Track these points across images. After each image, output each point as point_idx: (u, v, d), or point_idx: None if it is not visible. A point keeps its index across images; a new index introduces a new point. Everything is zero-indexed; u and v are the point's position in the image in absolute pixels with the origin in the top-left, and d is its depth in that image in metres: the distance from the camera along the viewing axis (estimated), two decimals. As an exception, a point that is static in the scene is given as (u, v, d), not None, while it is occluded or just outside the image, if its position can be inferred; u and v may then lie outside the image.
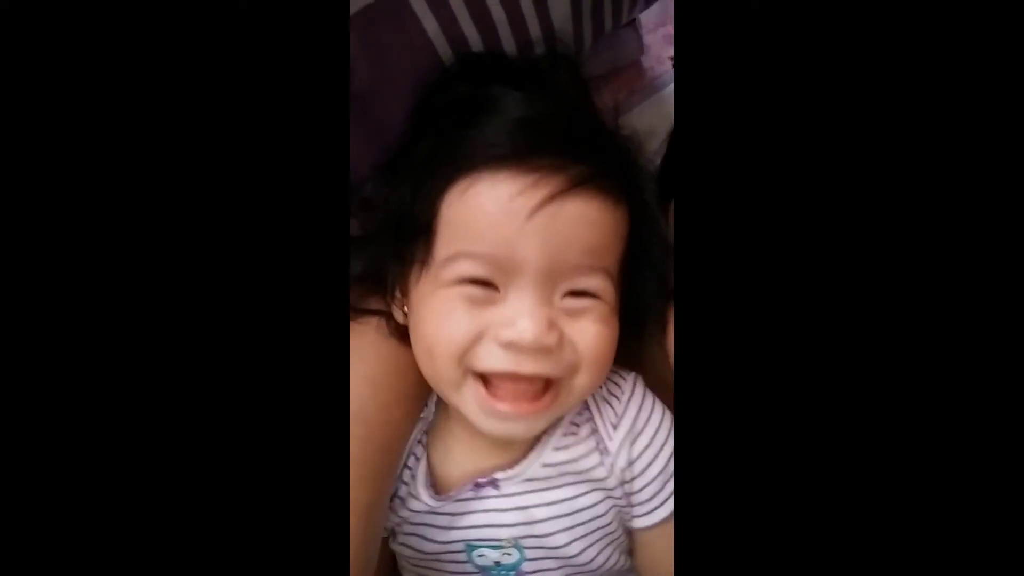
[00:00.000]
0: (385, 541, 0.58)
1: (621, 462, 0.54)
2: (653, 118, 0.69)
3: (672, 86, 0.84)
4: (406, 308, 0.51)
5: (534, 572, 0.57)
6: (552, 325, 0.46)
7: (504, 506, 0.55)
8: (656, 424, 0.55)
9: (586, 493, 0.55)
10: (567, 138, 0.48)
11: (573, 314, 0.47)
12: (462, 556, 0.56)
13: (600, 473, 0.55)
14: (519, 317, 0.45)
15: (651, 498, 0.55)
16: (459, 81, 0.53)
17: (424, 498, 0.54)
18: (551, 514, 0.55)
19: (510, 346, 0.45)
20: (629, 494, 0.56)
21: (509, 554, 0.56)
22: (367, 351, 0.51)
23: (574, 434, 0.55)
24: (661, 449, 0.55)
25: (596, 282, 0.48)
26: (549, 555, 0.56)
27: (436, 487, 0.55)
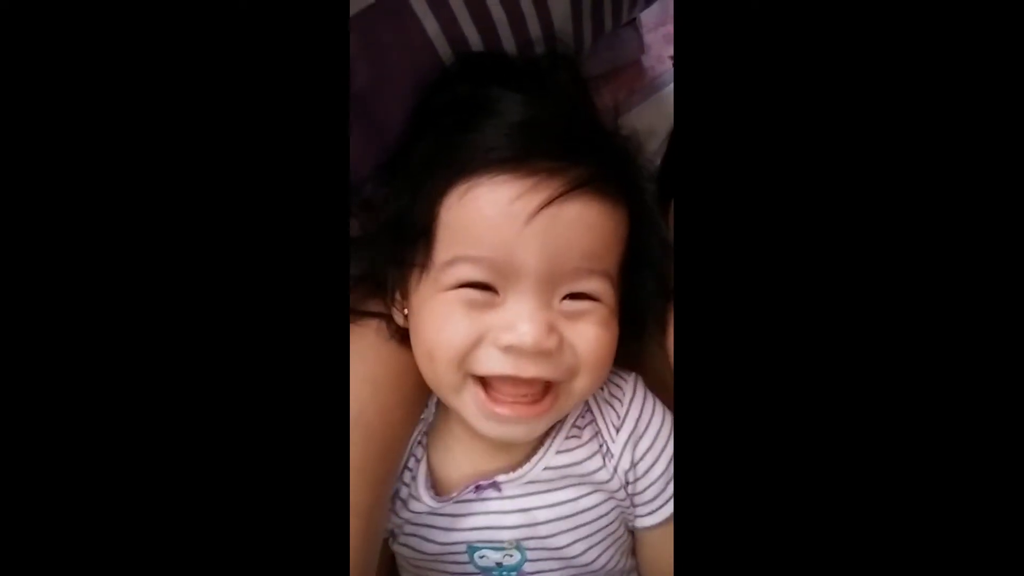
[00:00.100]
0: (385, 542, 0.58)
1: (624, 464, 0.54)
2: (653, 118, 0.69)
3: (672, 85, 0.84)
4: (406, 311, 0.51)
5: (536, 573, 0.57)
6: (552, 328, 0.46)
7: (506, 508, 0.55)
8: (658, 425, 0.56)
9: (588, 495, 0.55)
10: (566, 141, 0.48)
11: (572, 317, 0.47)
12: (463, 557, 0.56)
13: (603, 476, 0.55)
14: (519, 321, 0.45)
15: (655, 498, 0.55)
16: (459, 81, 0.53)
17: (425, 499, 0.54)
18: (553, 516, 0.55)
19: (510, 350, 0.45)
20: (632, 495, 0.56)
21: (511, 555, 0.56)
22: (367, 353, 0.51)
23: (577, 437, 0.55)
24: (663, 449, 0.55)
25: (595, 285, 0.48)
26: (551, 556, 0.56)
27: (436, 488, 0.55)
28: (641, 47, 0.84)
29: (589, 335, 0.48)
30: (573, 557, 0.56)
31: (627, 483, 0.55)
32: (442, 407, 0.56)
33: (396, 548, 0.58)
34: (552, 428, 0.54)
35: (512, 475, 0.54)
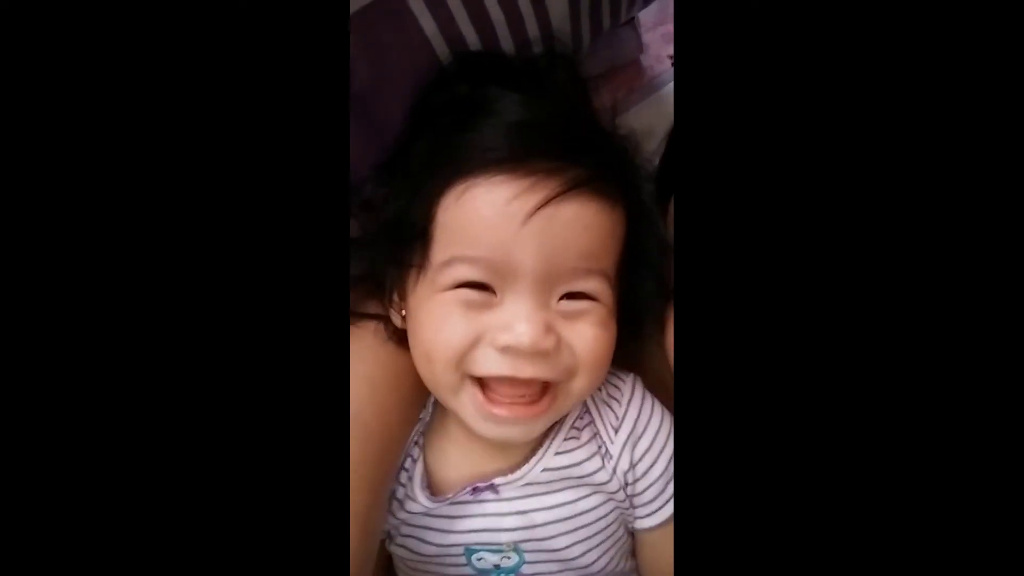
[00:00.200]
0: (382, 544, 0.58)
1: (623, 465, 0.54)
2: (652, 117, 0.69)
3: (671, 85, 0.84)
4: (404, 312, 0.51)
5: (534, 575, 0.56)
6: (549, 329, 0.46)
7: (504, 510, 0.55)
8: (657, 425, 0.55)
9: (587, 496, 0.55)
10: (564, 141, 0.47)
11: (570, 317, 0.47)
12: (460, 559, 0.56)
13: (602, 477, 0.55)
14: (516, 321, 0.45)
15: (654, 499, 0.55)
16: (457, 81, 0.53)
17: (421, 499, 0.54)
18: (552, 518, 0.55)
19: (507, 350, 0.45)
20: (632, 496, 0.56)
21: (508, 557, 0.56)
22: (365, 355, 0.51)
23: (576, 438, 0.55)
24: (663, 450, 0.55)
25: (593, 284, 0.48)
26: (550, 558, 0.56)
27: (433, 489, 0.55)
28: (639, 46, 0.84)
29: (587, 335, 0.48)
30: (572, 559, 0.56)
31: (626, 484, 0.55)
32: (440, 407, 0.55)
33: (393, 549, 0.58)
34: (551, 429, 0.54)
35: (510, 477, 0.54)
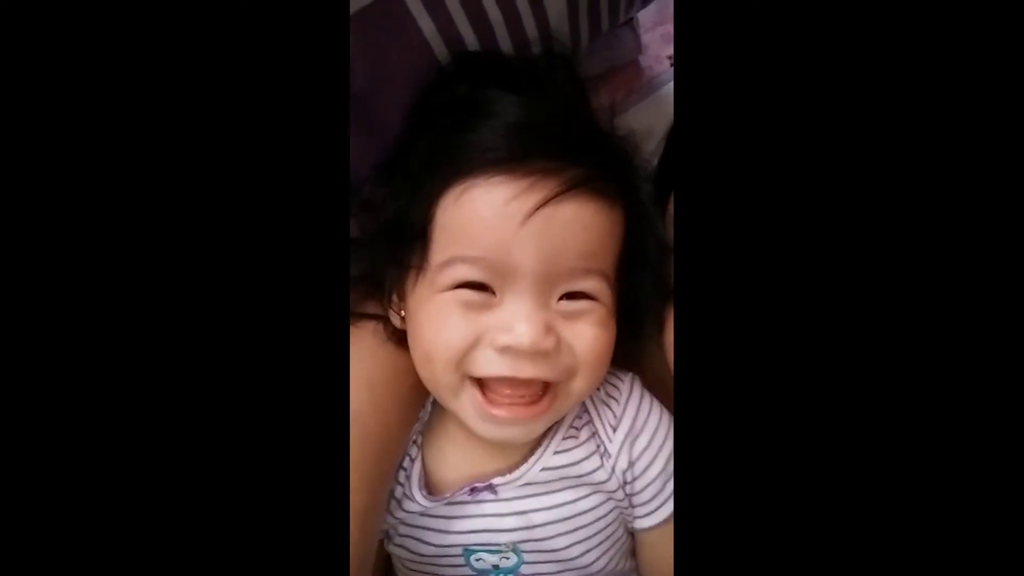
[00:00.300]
0: (381, 544, 0.58)
1: (621, 464, 0.54)
2: (651, 117, 0.69)
3: (670, 85, 0.84)
4: (403, 312, 0.51)
5: (533, 575, 0.56)
6: (549, 329, 0.46)
7: (502, 511, 0.55)
8: (655, 424, 0.55)
9: (586, 496, 0.55)
10: (562, 141, 0.47)
11: (570, 317, 0.47)
12: (459, 560, 0.56)
13: (601, 476, 0.55)
14: (516, 321, 0.45)
15: (652, 498, 0.55)
16: (455, 81, 0.53)
17: (418, 499, 0.54)
18: (551, 518, 0.55)
19: (507, 351, 0.45)
20: (630, 495, 0.56)
21: (507, 558, 0.55)
22: (364, 355, 0.51)
23: (574, 437, 0.55)
24: (661, 449, 0.55)
25: (592, 284, 0.48)
26: (549, 558, 0.56)
27: (431, 489, 0.55)
28: (638, 47, 0.84)
29: (587, 335, 0.48)
30: (571, 559, 0.56)
31: (624, 483, 0.55)
32: (438, 407, 0.55)
33: (392, 550, 0.58)
34: (549, 429, 0.54)
35: (509, 477, 0.54)
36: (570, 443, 0.55)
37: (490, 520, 0.55)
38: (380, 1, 0.50)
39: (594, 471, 0.54)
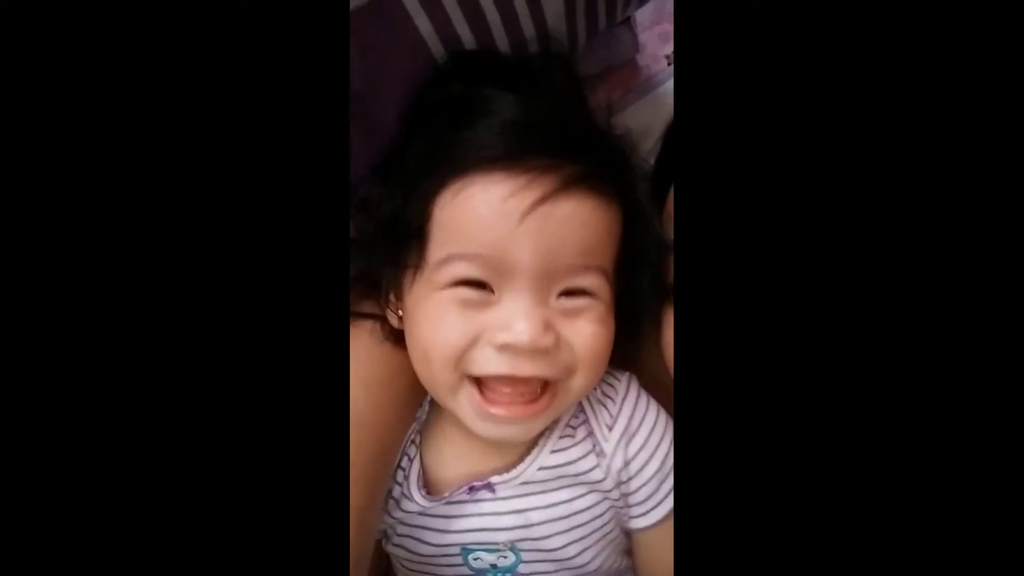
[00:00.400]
0: (378, 543, 0.58)
1: (617, 463, 0.54)
2: (648, 117, 0.68)
3: (667, 85, 0.84)
4: (400, 312, 0.51)
5: (531, 574, 0.56)
6: (548, 326, 0.46)
7: (500, 509, 0.54)
8: (651, 424, 0.55)
9: (583, 495, 0.55)
10: (559, 138, 0.47)
11: (569, 314, 0.47)
12: (457, 559, 0.56)
13: (597, 475, 0.55)
14: (515, 319, 0.45)
15: (647, 498, 0.55)
16: (452, 80, 0.52)
17: (417, 499, 0.54)
18: (548, 517, 0.55)
19: (506, 349, 0.45)
20: (626, 495, 0.55)
21: (505, 557, 0.55)
22: (361, 355, 0.51)
23: (571, 436, 0.55)
24: (656, 449, 0.55)
25: (591, 281, 0.47)
26: (546, 558, 0.56)
27: (429, 488, 0.55)
28: (636, 46, 0.84)
29: (586, 332, 0.48)
30: (568, 559, 0.56)
31: (620, 483, 0.55)
32: (436, 406, 0.55)
33: (390, 550, 0.58)
34: (546, 428, 0.53)
35: (506, 476, 0.53)
36: (566, 442, 0.54)
37: (488, 519, 0.55)
38: (377, 0, 0.49)
39: (590, 470, 0.54)
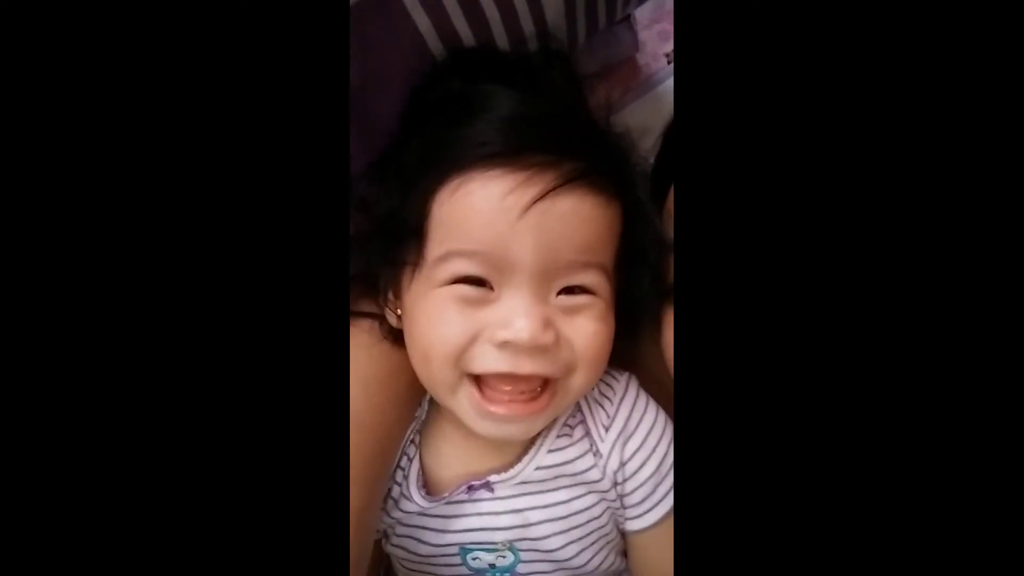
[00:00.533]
0: (378, 543, 0.57)
1: (613, 464, 0.54)
2: (648, 115, 0.69)
3: (667, 83, 0.84)
4: (399, 311, 0.50)
5: (529, 574, 0.56)
6: (548, 324, 0.46)
7: (499, 509, 0.54)
8: (649, 425, 0.55)
9: (581, 496, 0.55)
10: (559, 135, 0.47)
11: (569, 312, 0.47)
12: (456, 559, 0.56)
13: (594, 475, 0.54)
14: (514, 316, 0.45)
15: (643, 500, 0.55)
16: (451, 77, 0.52)
17: (416, 499, 0.54)
18: (546, 517, 0.54)
19: (506, 346, 0.45)
20: (621, 496, 0.55)
21: (504, 556, 0.55)
22: (360, 354, 0.51)
23: (568, 436, 0.55)
24: (654, 451, 0.55)
25: (591, 278, 0.47)
26: (544, 558, 0.56)
27: (428, 488, 0.55)
28: (635, 44, 0.84)
29: (586, 330, 0.47)
30: (567, 559, 0.56)
31: (616, 483, 0.55)
32: (435, 405, 0.55)
33: (390, 550, 0.58)
34: (544, 427, 0.53)
35: (504, 475, 0.53)
36: (563, 442, 0.54)
37: (487, 519, 0.54)
38: (376, -3, 0.49)
39: (587, 470, 0.54)
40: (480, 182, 0.45)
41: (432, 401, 0.55)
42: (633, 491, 0.55)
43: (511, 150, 0.45)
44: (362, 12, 0.49)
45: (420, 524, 0.56)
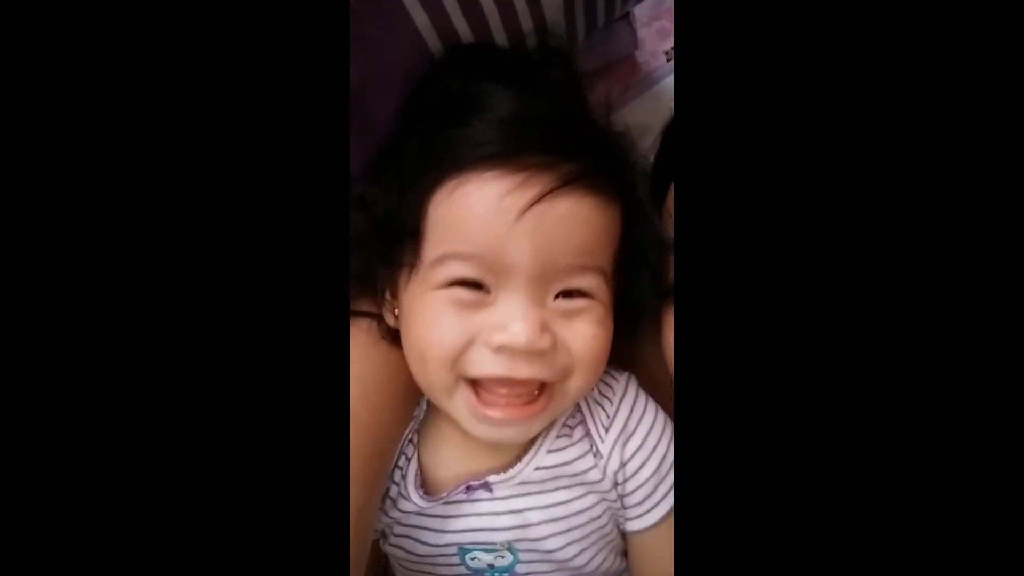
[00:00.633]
0: (376, 543, 0.57)
1: (613, 464, 0.54)
2: (647, 114, 0.68)
3: (666, 81, 0.84)
4: (397, 311, 0.50)
5: (528, 574, 0.56)
6: (545, 328, 0.45)
7: (498, 509, 0.54)
8: (648, 425, 0.55)
9: (581, 496, 0.55)
10: (557, 136, 0.47)
11: (567, 315, 0.47)
12: (455, 559, 0.56)
13: (594, 476, 0.54)
14: (511, 320, 0.45)
15: (643, 500, 0.55)
16: (448, 74, 0.52)
17: (414, 498, 0.54)
18: (545, 517, 0.54)
19: (502, 350, 0.45)
20: (622, 496, 0.55)
21: (503, 557, 0.55)
22: (358, 354, 0.51)
23: (568, 436, 0.54)
24: (653, 451, 0.55)
25: (589, 281, 0.47)
26: (543, 558, 0.56)
27: (426, 488, 0.55)
28: (635, 42, 0.84)
29: (584, 334, 0.47)
30: (566, 560, 0.56)
31: (616, 484, 0.55)
32: (433, 405, 0.55)
33: (388, 549, 0.58)
34: (543, 427, 0.53)
35: (503, 476, 0.53)
36: (563, 442, 0.54)
37: (485, 519, 0.54)
38: (374, -5, 0.49)
39: (588, 471, 0.54)
40: (477, 183, 0.45)
41: (430, 401, 0.55)
42: (634, 491, 0.55)
43: (509, 151, 0.45)
44: (362, 12, 0.49)
45: (418, 524, 0.55)
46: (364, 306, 0.52)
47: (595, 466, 0.54)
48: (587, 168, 0.46)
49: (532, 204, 0.44)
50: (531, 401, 0.47)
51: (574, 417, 0.55)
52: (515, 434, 0.49)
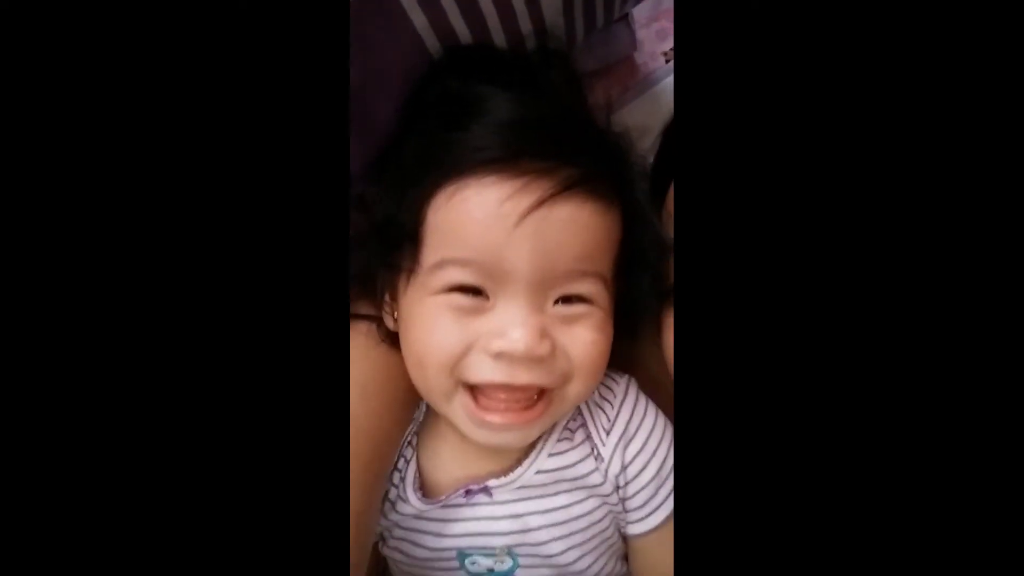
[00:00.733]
0: (375, 546, 0.57)
1: (614, 467, 0.54)
2: (646, 115, 0.68)
3: (665, 82, 0.84)
4: (396, 314, 0.50)
5: (527, 579, 0.56)
6: (544, 334, 0.45)
7: (498, 514, 0.54)
8: (649, 428, 0.55)
9: (581, 501, 0.55)
10: (557, 140, 0.47)
11: (566, 321, 0.47)
12: (454, 563, 0.56)
13: (595, 479, 0.54)
14: (510, 326, 0.44)
15: (645, 503, 0.55)
16: (447, 76, 0.52)
17: (413, 501, 0.54)
18: (546, 522, 0.54)
19: (501, 356, 0.45)
20: (623, 499, 0.55)
21: (502, 561, 0.55)
22: (358, 356, 0.51)
23: (568, 440, 0.54)
24: (654, 453, 0.54)
25: (589, 287, 0.47)
26: (544, 563, 0.55)
27: (425, 491, 0.55)
28: (634, 43, 0.84)
29: (584, 339, 0.47)
30: (566, 564, 0.55)
31: (618, 487, 0.54)
32: (432, 408, 0.55)
33: (387, 552, 0.58)
34: (543, 431, 0.53)
35: (503, 480, 0.53)
36: (564, 445, 0.54)
37: (485, 523, 0.54)
38: (373, -4, 0.49)
39: (589, 474, 0.54)
40: (476, 188, 0.44)
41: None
42: (634, 495, 0.55)
43: (508, 156, 0.44)
44: (361, 12, 0.49)
45: (417, 527, 0.55)
46: (364, 309, 0.52)
47: (596, 469, 0.54)
48: (587, 173, 0.46)
49: (532, 210, 0.43)
50: (530, 406, 0.47)
51: (575, 420, 0.55)
52: (514, 439, 0.49)
